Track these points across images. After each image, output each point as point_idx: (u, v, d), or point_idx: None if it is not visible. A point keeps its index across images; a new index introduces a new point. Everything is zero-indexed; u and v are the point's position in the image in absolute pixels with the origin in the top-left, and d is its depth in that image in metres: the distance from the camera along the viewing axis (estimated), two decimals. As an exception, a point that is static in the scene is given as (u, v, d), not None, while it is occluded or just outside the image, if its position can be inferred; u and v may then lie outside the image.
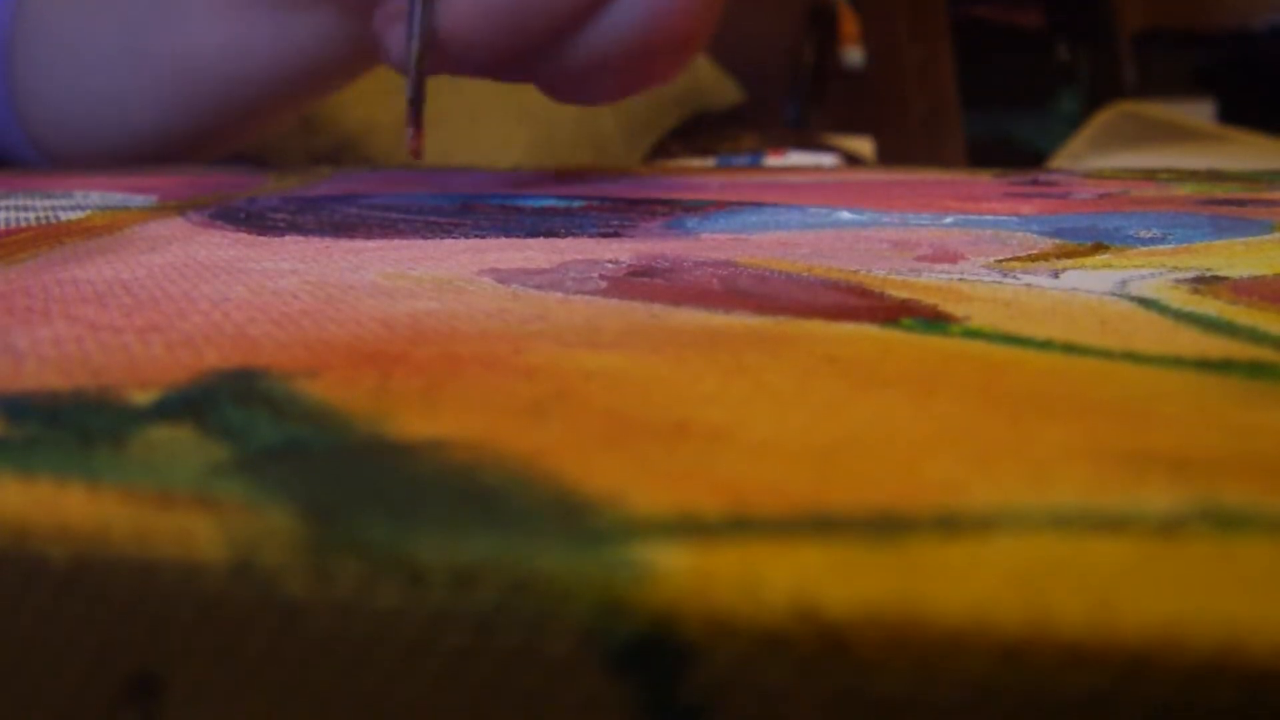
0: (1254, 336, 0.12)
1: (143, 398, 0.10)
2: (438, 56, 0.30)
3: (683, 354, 0.12)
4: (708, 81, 1.38)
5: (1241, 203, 0.27)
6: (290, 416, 0.10)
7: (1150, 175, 0.35)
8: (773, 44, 1.59)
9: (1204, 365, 0.11)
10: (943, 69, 0.89)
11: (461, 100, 0.97)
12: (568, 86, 0.33)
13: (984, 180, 0.34)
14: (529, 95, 1.13)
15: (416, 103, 0.31)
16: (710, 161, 0.51)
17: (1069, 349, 0.12)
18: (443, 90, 1.04)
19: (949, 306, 0.14)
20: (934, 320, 0.13)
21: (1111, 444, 0.09)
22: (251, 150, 0.95)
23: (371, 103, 0.97)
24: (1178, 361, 0.11)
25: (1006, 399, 0.10)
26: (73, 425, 0.09)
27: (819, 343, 0.12)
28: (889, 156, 0.90)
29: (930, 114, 0.88)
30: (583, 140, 1.05)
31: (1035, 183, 0.32)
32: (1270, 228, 0.22)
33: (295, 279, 0.16)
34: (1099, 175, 0.36)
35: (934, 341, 0.12)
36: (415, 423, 0.09)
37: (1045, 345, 0.12)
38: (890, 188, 0.31)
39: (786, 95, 1.51)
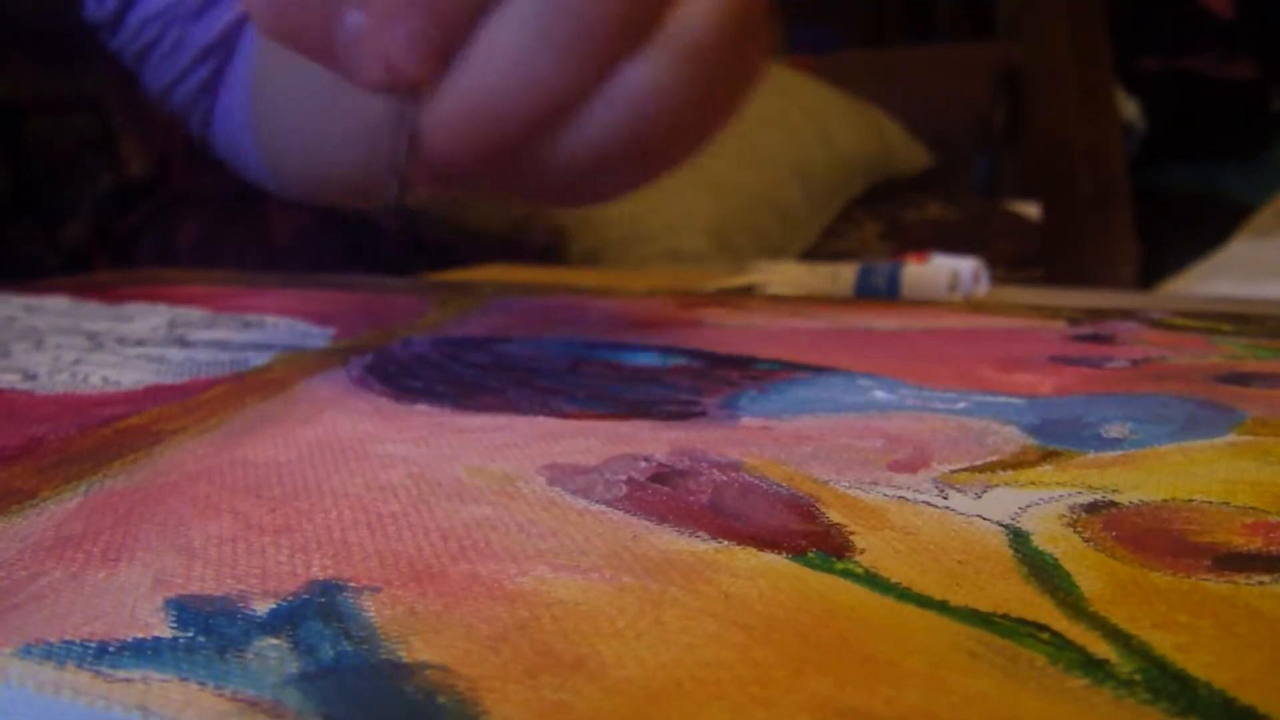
0: (1062, 603, 0.17)
1: (262, 607, 0.16)
2: (421, 169, 0.30)
3: (626, 585, 0.17)
4: (896, 146, 1.42)
5: (1252, 379, 0.31)
6: (347, 635, 0.15)
7: (1215, 327, 0.38)
8: (962, 108, 1.62)
9: (989, 623, 0.16)
10: (1111, 150, 0.91)
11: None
12: (557, 189, 0.32)
13: (1054, 329, 0.38)
14: (714, 165, 1.19)
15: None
16: (852, 274, 0.55)
17: (902, 595, 0.17)
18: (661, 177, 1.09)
19: (862, 534, 0.19)
20: (832, 555, 0.18)
21: (845, 700, 0.14)
22: (450, 218, 1.02)
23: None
24: (973, 616, 0.16)
25: (813, 648, 0.15)
26: (216, 634, 0.15)
27: (729, 577, 0.17)
28: (1058, 226, 0.93)
29: (1098, 194, 0.90)
30: (767, 209, 1.10)
31: (1096, 338, 0.37)
32: (1238, 422, 0.26)
33: (402, 471, 0.22)
34: (1176, 322, 0.39)
35: (814, 579, 0.17)
36: (422, 646, 0.15)
37: (888, 589, 0.17)
38: (954, 342, 0.35)
39: (976, 159, 1.54)
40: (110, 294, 0.48)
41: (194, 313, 0.42)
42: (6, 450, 0.25)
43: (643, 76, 0.29)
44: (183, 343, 0.35)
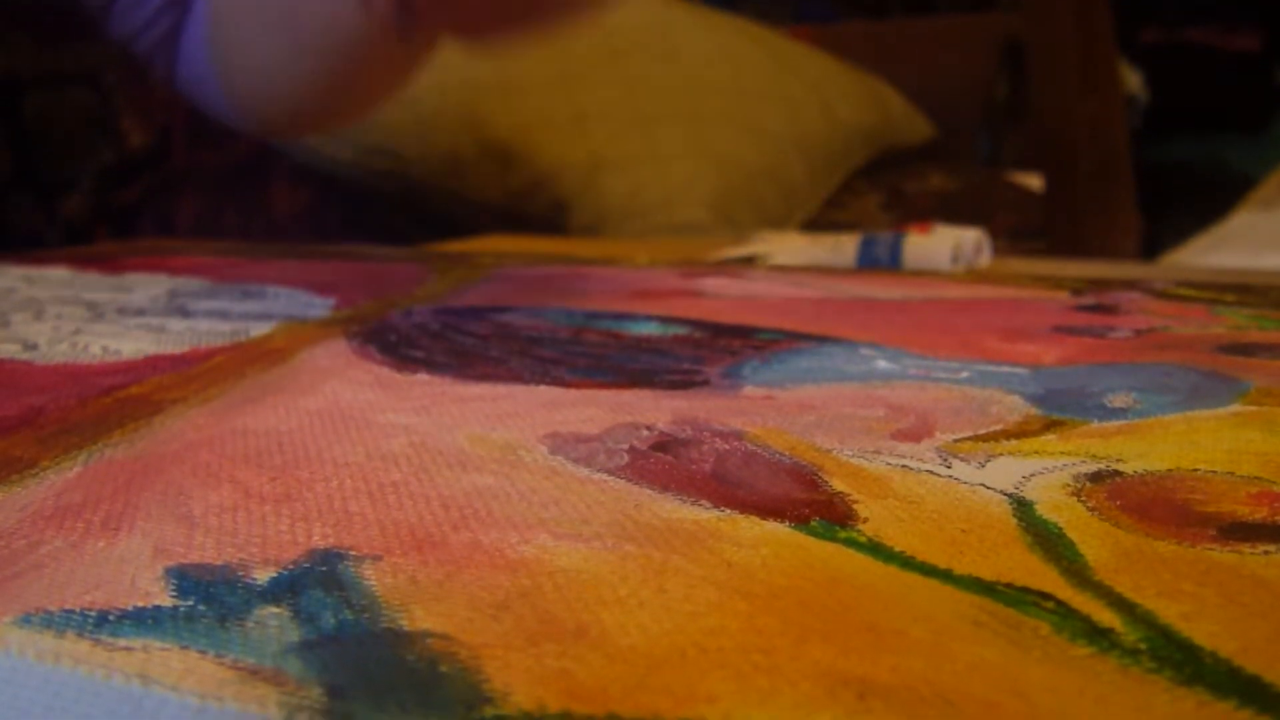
0: (1066, 571, 0.17)
1: (263, 576, 0.16)
2: None
3: (628, 553, 0.17)
4: (898, 117, 1.41)
5: (1256, 349, 0.30)
6: (348, 604, 0.15)
7: (1218, 298, 0.38)
8: (965, 80, 1.61)
9: (993, 592, 0.16)
10: (1114, 123, 0.91)
11: (650, 145, 1.03)
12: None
13: (1057, 300, 0.38)
14: (714, 136, 1.18)
15: None
16: (854, 244, 0.55)
17: (906, 563, 0.17)
18: (633, 135, 1.10)
19: (865, 503, 0.19)
20: (835, 523, 0.18)
21: (849, 668, 0.14)
22: (449, 189, 1.02)
23: (564, 144, 1.04)
24: (977, 585, 0.16)
25: (817, 616, 0.15)
26: (217, 603, 0.15)
27: (732, 546, 0.17)
28: (1060, 199, 0.93)
29: (1100, 167, 0.90)
30: (767, 180, 1.09)
31: (1099, 308, 0.36)
32: (1243, 391, 0.26)
33: (404, 440, 0.22)
34: (1179, 292, 0.39)
35: (817, 548, 0.17)
36: (423, 614, 0.15)
37: (891, 558, 0.17)
38: (957, 312, 0.35)
39: (978, 131, 1.53)
40: (111, 265, 0.48)
41: (195, 283, 0.41)
42: (6, 420, 0.24)
43: None
44: (183, 312, 0.35)
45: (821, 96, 1.26)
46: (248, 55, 0.64)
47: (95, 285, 0.42)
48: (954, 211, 1.09)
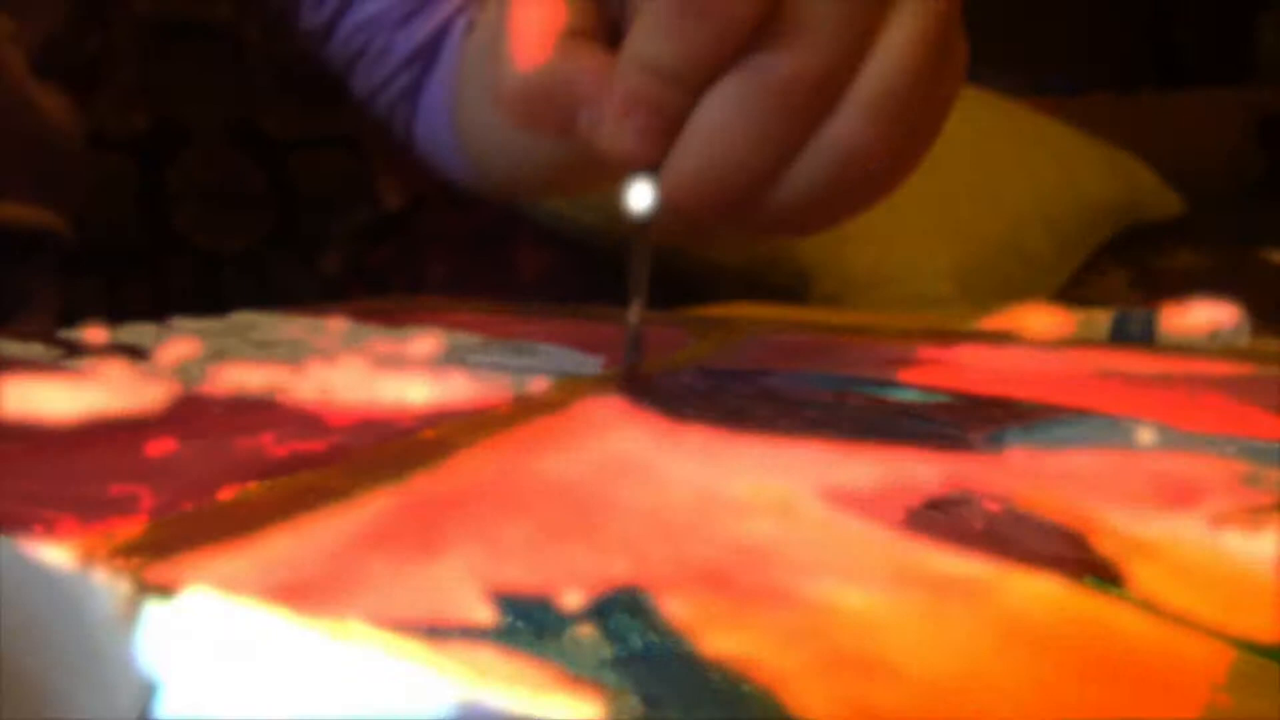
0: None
1: (573, 602, 0.18)
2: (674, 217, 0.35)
3: (910, 599, 0.18)
4: (1146, 192, 1.38)
5: None
6: (652, 629, 0.17)
7: None
8: (1217, 154, 1.57)
9: (1269, 654, 0.16)
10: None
11: (893, 217, 1.04)
12: (775, 228, 0.36)
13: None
14: (959, 210, 1.18)
15: (633, 337, 0.36)
16: (1107, 319, 0.55)
17: (1180, 620, 0.17)
18: (877, 207, 1.09)
19: (1135, 566, 0.20)
20: (1108, 581, 0.19)
21: (1129, 712, 0.14)
22: (693, 255, 1.04)
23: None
24: (1251, 646, 0.17)
25: (1094, 664, 0.16)
26: (534, 621, 0.17)
27: (1011, 597, 0.18)
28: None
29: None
30: (1011, 255, 1.09)
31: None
32: None
33: (686, 488, 0.23)
34: None
35: (1091, 601, 0.18)
36: (722, 640, 0.16)
37: (1165, 615, 0.17)
38: (1221, 390, 0.35)
39: (1232, 207, 1.49)
40: (388, 319, 0.51)
41: (470, 338, 0.44)
42: (316, 455, 0.27)
43: (840, 132, 0.33)
44: (463, 365, 0.38)
45: (1067, 169, 1.25)
46: (490, 126, 0.66)
47: (376, 336, 0.44)
48: (1203, 288, 1.06)
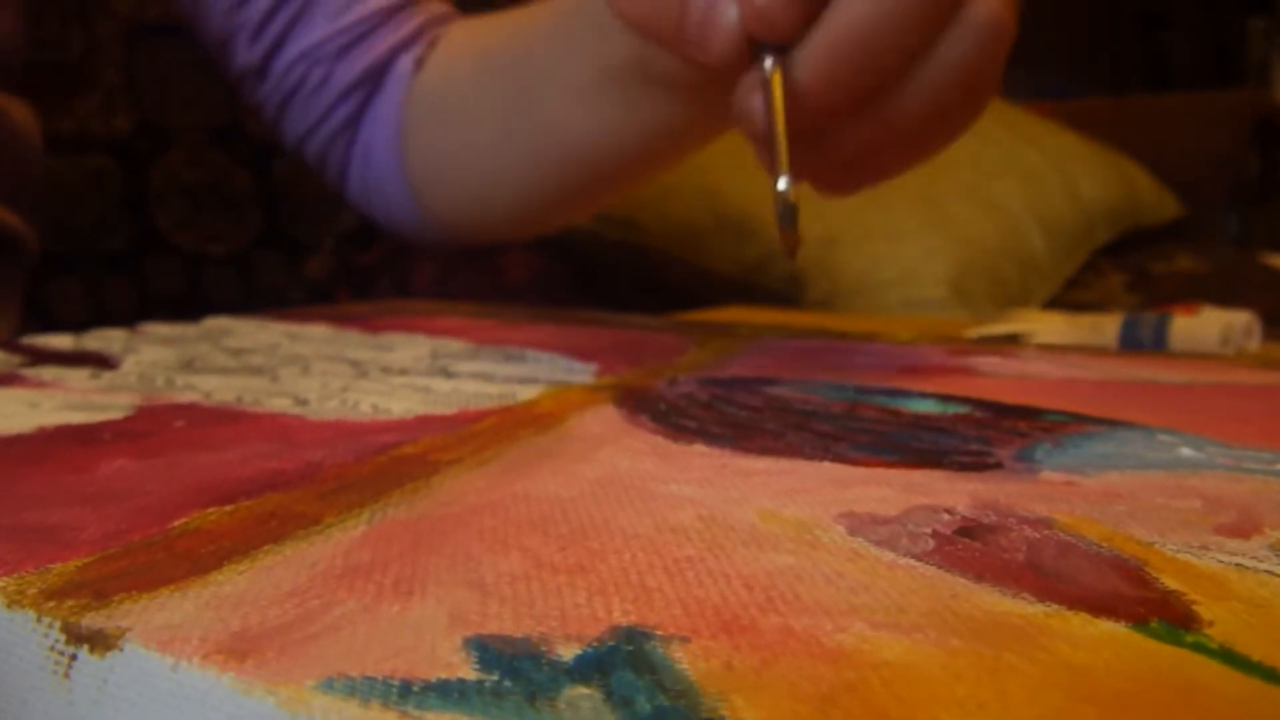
0: None
1: (567, 652, 0.15)
2: (800, 114, 0.34)
3: (955, 648, 0.15)
4: (1144, 195, 1.36)
5: None
6: (662, 688, 0.14)
7: None
8: (1212, 158, 1.55)
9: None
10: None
11: (886, 220, 1.01)
12: (889, 142, 0.36)
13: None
14: (953, 212, 1.16)
15: (787, 210, 0.34)
16: (1116, 325, 0.53)
17: (1269, 675, 0.15)
18: (869, 210, 1.08)
19: (1205, 604, 0.17)
20: (1178, 625, 0.16)
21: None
22: (684, 259, 1.02)
23: (800, 218, 1.03)
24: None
25: (1182, 732, 0.13)
26: (523, 679, 0.14)
27: (1068, 645, 0.16)
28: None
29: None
30: (1007, 259, 1.06)
31: None
32: None
33: (691, 513, 0.21)
34: None
35: (1164, 653, 0.16)
36: (744, 704, 0.14)
37: (1251, 668, 0.15)
38: (1250, 398, 0.33)
39: (1227, 210, 1.47)
40: (368, 324, 0.48)
41: (455, 344, 0.42)
42: (285, 474, 0.24)
43: (979, 10, 0.33)
44: (447, 373, 0.35)
45: (1063, 173, 1.23)
46: (468, 163, 0.62)
47: (357, 343, 0.42)
48: (1202, 292, 1.05)
